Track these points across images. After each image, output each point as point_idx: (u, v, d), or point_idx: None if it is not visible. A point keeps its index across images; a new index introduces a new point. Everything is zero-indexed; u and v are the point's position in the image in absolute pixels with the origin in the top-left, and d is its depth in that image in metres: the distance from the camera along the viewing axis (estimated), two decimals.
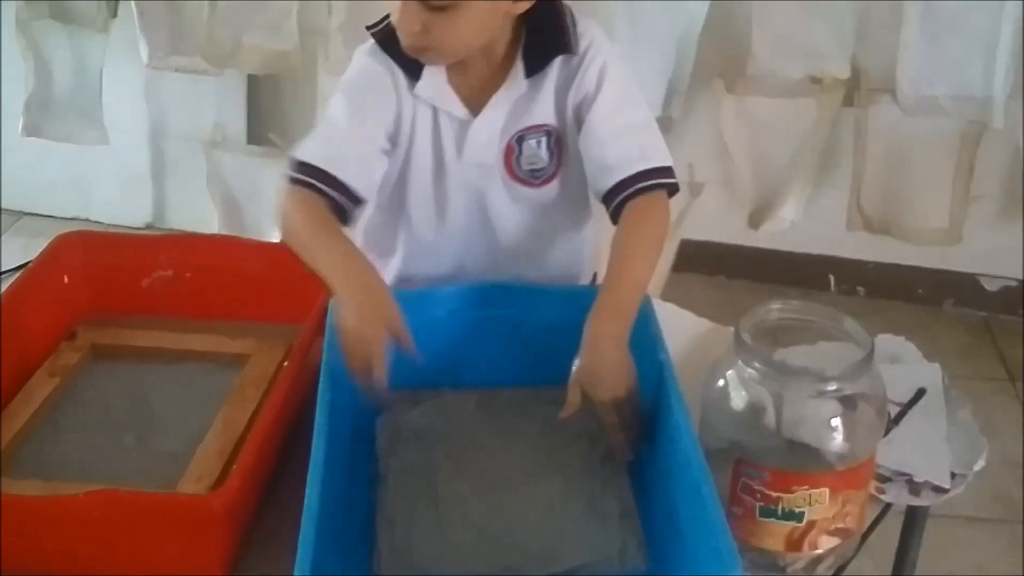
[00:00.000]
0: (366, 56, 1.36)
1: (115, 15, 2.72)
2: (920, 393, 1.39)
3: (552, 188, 1.41)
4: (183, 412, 1.34)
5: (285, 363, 1.27)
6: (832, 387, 1.10)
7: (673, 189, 1.34)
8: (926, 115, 2.47)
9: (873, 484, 1.22)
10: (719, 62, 2.56)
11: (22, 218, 3.23)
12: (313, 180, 1.27)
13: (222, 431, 1.26)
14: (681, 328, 1.43)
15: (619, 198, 1.31)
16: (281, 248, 1.48)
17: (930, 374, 1.43)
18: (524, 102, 1.35)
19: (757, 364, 1.12)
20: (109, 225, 3.07)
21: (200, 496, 1.09)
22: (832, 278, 2.99)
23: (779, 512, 1.11)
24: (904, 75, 2.41)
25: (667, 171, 1.33)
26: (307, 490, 1.00)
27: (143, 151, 3.11)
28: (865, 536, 1.24)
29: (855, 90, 2.52)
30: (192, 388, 1.38)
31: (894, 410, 1.35)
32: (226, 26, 2.59)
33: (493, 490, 1.20)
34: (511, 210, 1.42)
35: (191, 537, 1.08)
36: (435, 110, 1.36)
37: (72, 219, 3.12)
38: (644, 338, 1.25)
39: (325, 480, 1.02)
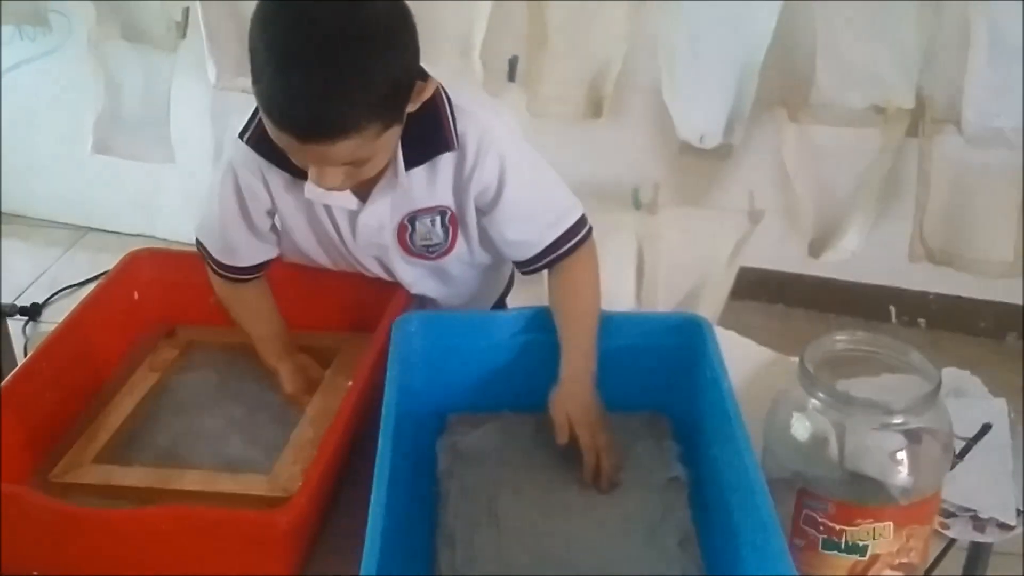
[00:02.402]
0: (241, 161, 1.36)
1: (184, 36, 2.76)
2: (985, 428, 1.38)
3: (448, 259, 1.44)
4: (277, 401, 1.40)
5: (349, 383, 1.29)
6: (897, 420, 1.09)
7: (588, 233, 1.40)
8: (991, 146, 2.43)
9: (937, 519, 1.21)
10: (782, 90, 2.55)
11: (88, 234, 3.29)
12: (222, 272, 1.46)
13: (315, 419, 1.31)
14: (743, 356, 1.42)
15: (538, 264, 1.39)
16: (345, 271, 1.51)
17: (995, 409, 1.42)
18: (414, 187, 1.35)
19: (821, 394, 1.11)
20: (173, 242, 3.13)
21: (266, 513, 1.10)
22: (893, 309, 2.97)
23: (842, 545, 1.10)
24: (969, 106, 2.38)
25: (579, 224, 1.38)
26: (371, 509, 1.01)
27: (208, 170, 3.15)
28: (928, 572, 1.22)
29: (919, 120, 2.49)
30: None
31: (959, 445, 1.33)
32: None
33: (552, 513, 1.20)
34: (415, 274, 1.46)
35: (258, 552, 1.10)
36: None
37: (137, 236, 3.19)
38: (707, 366, 1.25)
39: (388, 499, 1.03)
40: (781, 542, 1.00)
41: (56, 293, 2.97)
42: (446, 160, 1.33)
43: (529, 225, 1.38)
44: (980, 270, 2.60)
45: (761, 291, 2.98)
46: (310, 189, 1.31)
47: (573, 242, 1.38)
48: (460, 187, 1.35)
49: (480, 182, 1.34)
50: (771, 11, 2.38)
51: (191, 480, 1.23)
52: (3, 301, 2.77)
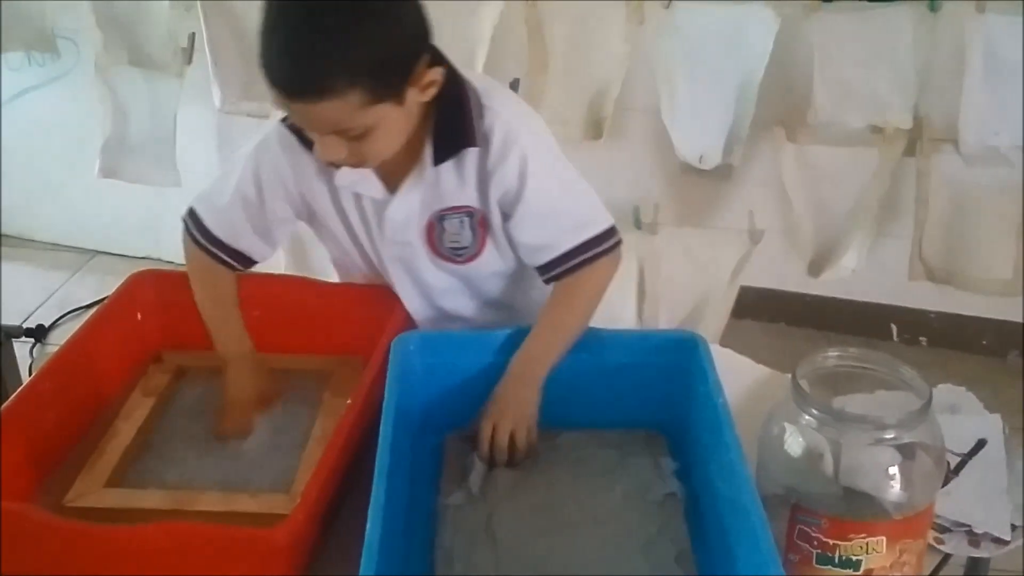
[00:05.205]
0: (276, 140, 1.38)
1: (190, 61, 2.80)
2: (980, 444, 1.38)
3: (477, 265, 1.43)
4: (280, 421, 1.42)
5: (348, 400, 1.30)
6: (890, 435, 1.10)
7: (613, 246, 1.39)
8: (988, 165, 2.45)
9: (932, 535, 1.22)
10: (780, 110, 2.57)
11: (95, 257, 3.32)
12: (212, 248, 1.47)
13: (322, 438, 1.33)
14: (739, 373, 1.44)
15: (558, 270, 1.38)
16: (345, 288, 1.53)
17: (990, 425, 1.43)
18: (442, 184, 1.36)
19: (814, 411, 1.12)
20: (179, 264, 3.14)
21: (265, 529, 1.11)
22: (894, 327, 2.98)
23: (836, 560, 1.11)
24: (966, 125, 2.40)
25: (605, 235, 1.38)
26: (368, 524, 1.02)
27: None
28: None
29: (917, 140, 2.51)
30: (283, 399, 1.46)
31: (954, 460, 1.34)
32: None
33: (550, 530, 1.21)
34: (443, 283, 1.45)
35: (257, 568, 1.11)
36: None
37: (143, 258, 3.22)
38: (702, 382, 1.26)
39: (386, 515, 1.05)
40: (775, 557, 1.01)
41: (63, 315, 2.99)
42: (472, 157, 1.33)
43: (547, 229, 1.37)
44: (980, 288, 2.61)
45: (762, 310, 2.99)
46: (340, 176, 1.34)
47: (594, 252, 1.37)
48: (483, 186, 1.36)
49: (502, 183, 1.34)
50: (768, 32, 2.41)
51: (210, 501, 1.25)
52: (13, 324, 2.78)
